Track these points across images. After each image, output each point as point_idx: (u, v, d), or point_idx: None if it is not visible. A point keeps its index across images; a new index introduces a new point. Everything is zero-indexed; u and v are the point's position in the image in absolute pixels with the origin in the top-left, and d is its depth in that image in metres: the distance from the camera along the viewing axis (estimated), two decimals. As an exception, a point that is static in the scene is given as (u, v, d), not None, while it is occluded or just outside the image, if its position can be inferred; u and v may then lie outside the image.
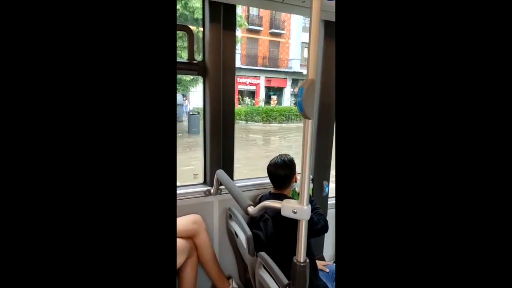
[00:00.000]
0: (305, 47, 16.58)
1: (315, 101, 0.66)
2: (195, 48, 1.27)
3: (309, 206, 0.70)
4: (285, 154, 1.29)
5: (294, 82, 16.72)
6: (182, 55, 6.80)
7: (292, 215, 0.70)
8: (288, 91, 16.59)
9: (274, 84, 16.52)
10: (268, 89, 16.53)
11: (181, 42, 6.32)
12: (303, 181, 0.69)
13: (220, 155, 1.39)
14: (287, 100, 16.53)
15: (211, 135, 1.36)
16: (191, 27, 1.24)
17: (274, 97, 16.66)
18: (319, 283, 1.23)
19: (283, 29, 16.42)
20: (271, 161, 1.29)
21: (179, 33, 1.22)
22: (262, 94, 16.31)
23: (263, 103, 16.12)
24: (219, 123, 1.34)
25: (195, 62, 1.28)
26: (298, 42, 16.47)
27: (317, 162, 1.61)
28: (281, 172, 1.23)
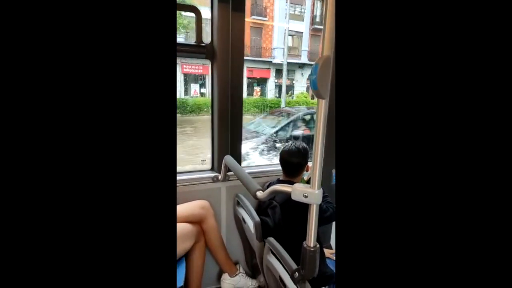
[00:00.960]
0: (289, 35, 16.69)
1: (329, 80, 0.66)
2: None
3: (321, 190, 0.72)
4: (300, 142, 1.33)
5: (278, 72, 16.73)
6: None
7: (302, 199, 0.73)
8: (271, 82, 16.55)
9: (256, 74, 16.44)
10: (250, 80, 16.51)
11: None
12: (315, 164, 0.71)
13: (228, 141, 1.43)
14: (271, 91, 16.53)
15: (219, 121, 1.40)
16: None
17: (257, 89, 16.67)
18: (326, 270, 1.29)
19: (265, 16, 16.41)
20: (284, 147, 1.33)
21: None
22: (244, 85, 16.14)
23: (246, 94, 16.09)
24: (227, 108, 1.38)
25: (203, 44, 1.31)
26: (281, 30, 16.50)
27: (325, 151, 1.66)
28: (294, 159, 1.28)
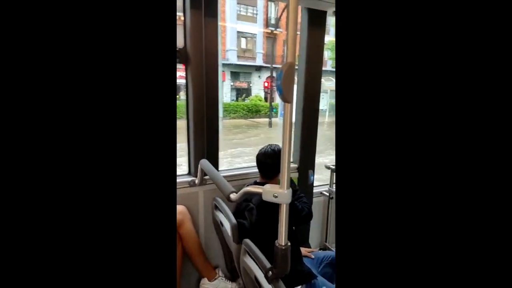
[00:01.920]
0: (242, 37, 16.93)
1: (295, 85, 0.72)
2: None
3: (290, 190, 0.76)
4: (275, 144, 1.40)
5: (234, 75, 16.84)
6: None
7: (273, 200, 0.77)
8: (227, 85, 16.53)
9: (211, 77, 16.28)
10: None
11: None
12: (283, 165, 0.74)
13: (204, 145, 1.50)
14: (226, 94, 16.48)
15: (195, 125, 1.47)
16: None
17: (211, 92, 16.40)
18: (303, 269, 1.37)
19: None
20: (260, 149, 1.41)
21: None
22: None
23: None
24: (203, 112, 1.45)
25: (176, 49, 1.37)
26: (234, 31, 16.71)
27: (302, 152, 1.81)
28: (269, 161, 1.35)
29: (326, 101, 15.58)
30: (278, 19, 15.75)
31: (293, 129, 1.84)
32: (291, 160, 1.88)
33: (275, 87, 0.73)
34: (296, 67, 1.74)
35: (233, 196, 1.01)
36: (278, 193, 0.76)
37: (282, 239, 0.80)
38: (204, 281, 1.54)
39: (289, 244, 0.81)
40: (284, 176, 0.75)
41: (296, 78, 1.74)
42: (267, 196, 0.78)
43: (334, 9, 1.56)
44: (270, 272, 0.88)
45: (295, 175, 1.81)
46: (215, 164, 1.53)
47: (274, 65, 13.72)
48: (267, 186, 0.79)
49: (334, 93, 15.51)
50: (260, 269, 0.99)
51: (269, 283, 0.91)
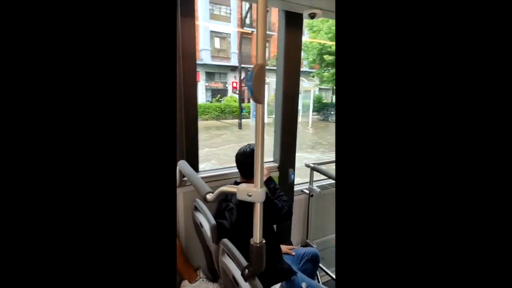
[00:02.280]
0: (216, 36, 16.82)
1: (267, 85, 0.78)
2: None
3: (264, 188, 0.77)
4: (254, 144, 1.43)
5: (209, 75, 16.71)
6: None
7: (247, 198, 0.78)
8: (202, 85, 16.35)
9: (184, 78, 16.05)
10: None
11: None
12: (256, 165, 0.76)
13: (184, 146, 1.49)
14: (201, 94, 16.29)
15: None
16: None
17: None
18: (282, 266, 1.39)
19: (190, 16, 16.08)
20: (240, 149, 1.41)
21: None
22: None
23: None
24: (180, 112, 1.45)
25: None
26: (207, 30, 16.50)
27: (282, 151, 1.85)
28: (249, 161, 1.34)
29: (300, 101, 15.79)
30: (245, 18, 15.70)
31: (272, 129, 1.87)
32: (272, 159, 1.92)
33: (245, 88, 0.72)
34: (275, 68, 1.79)
35: (209, 196, 1.01)
36: (252, 192, 0.77)
37: (257, 237, 0.81)
38: (185, 283, 1.53)
39: (264, 241, 0.83)
40: (258, 175, 0.76)
41: (274, 79, 1.79)
42: (242, 195, 0.79)
43: (310, 11, 1.61)
44: (246, 270, 0.90)
45: (275, 174, 1.85)
46: (195, 165, 1.52)
47: (242, 65, 13.68)
48: (242, 185, 0.80)
49: (307, 94, 16.03)
50: (238, 268, 1.01)
51: (245, 280, 0.92)
